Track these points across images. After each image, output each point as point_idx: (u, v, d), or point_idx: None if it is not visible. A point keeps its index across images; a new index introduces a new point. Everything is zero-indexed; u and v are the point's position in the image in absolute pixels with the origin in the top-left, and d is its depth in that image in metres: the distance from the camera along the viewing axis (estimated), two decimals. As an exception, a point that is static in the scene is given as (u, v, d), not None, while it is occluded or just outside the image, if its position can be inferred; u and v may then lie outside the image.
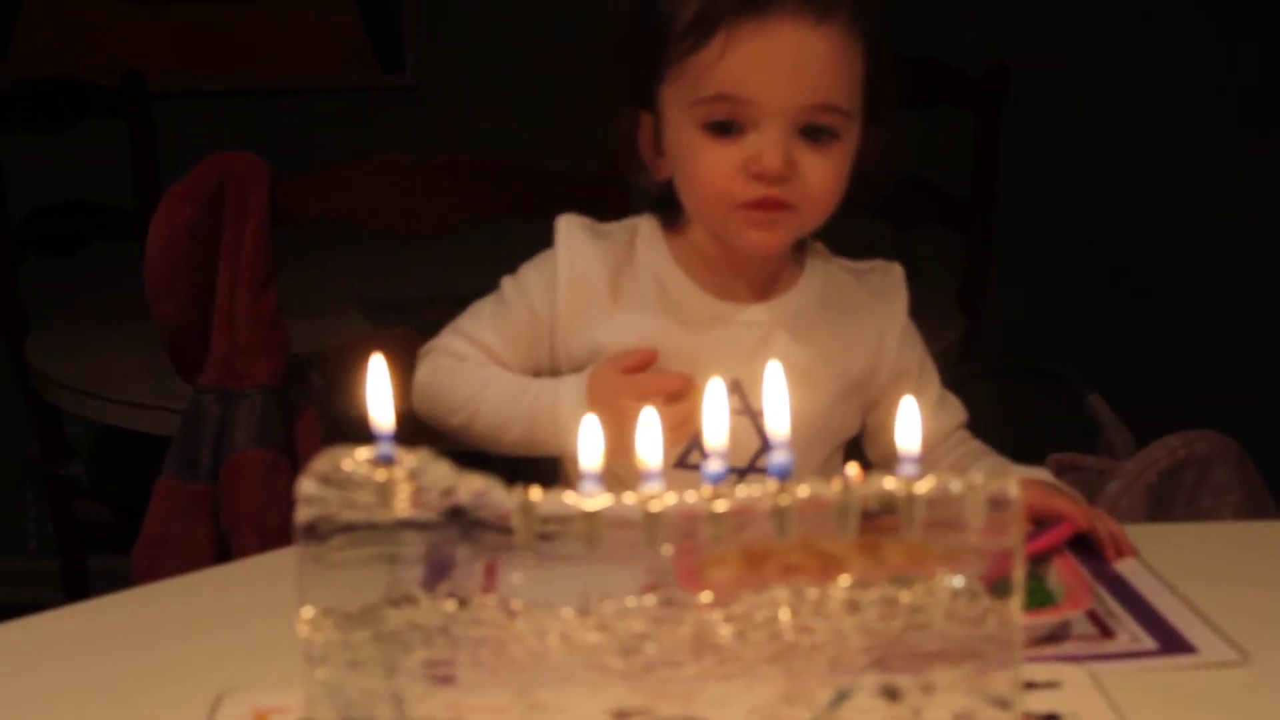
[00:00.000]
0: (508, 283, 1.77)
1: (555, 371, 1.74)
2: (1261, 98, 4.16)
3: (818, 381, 1.71)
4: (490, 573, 1.04)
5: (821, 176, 1.61)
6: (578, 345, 1.71)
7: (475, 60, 3.96)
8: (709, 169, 1.61)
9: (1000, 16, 4.00)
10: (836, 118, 1.61)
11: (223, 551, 2.15)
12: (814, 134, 1.60)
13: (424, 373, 1.79)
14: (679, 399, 1.62)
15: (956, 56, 3.37)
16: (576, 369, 1.71)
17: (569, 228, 1.73)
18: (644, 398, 1.56)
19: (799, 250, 1.75)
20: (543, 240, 1.76)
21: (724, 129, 1.60)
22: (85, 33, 3.82)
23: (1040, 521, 1.59)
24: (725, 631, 1.04)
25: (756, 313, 1.71)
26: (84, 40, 3.82)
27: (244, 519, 2.13)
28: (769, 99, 1.58)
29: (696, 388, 1.62)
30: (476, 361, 1.75)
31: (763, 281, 1.72)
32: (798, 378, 1.68)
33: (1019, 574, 1.05)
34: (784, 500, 1.02)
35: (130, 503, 2.34)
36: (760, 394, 1.58)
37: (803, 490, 1.03)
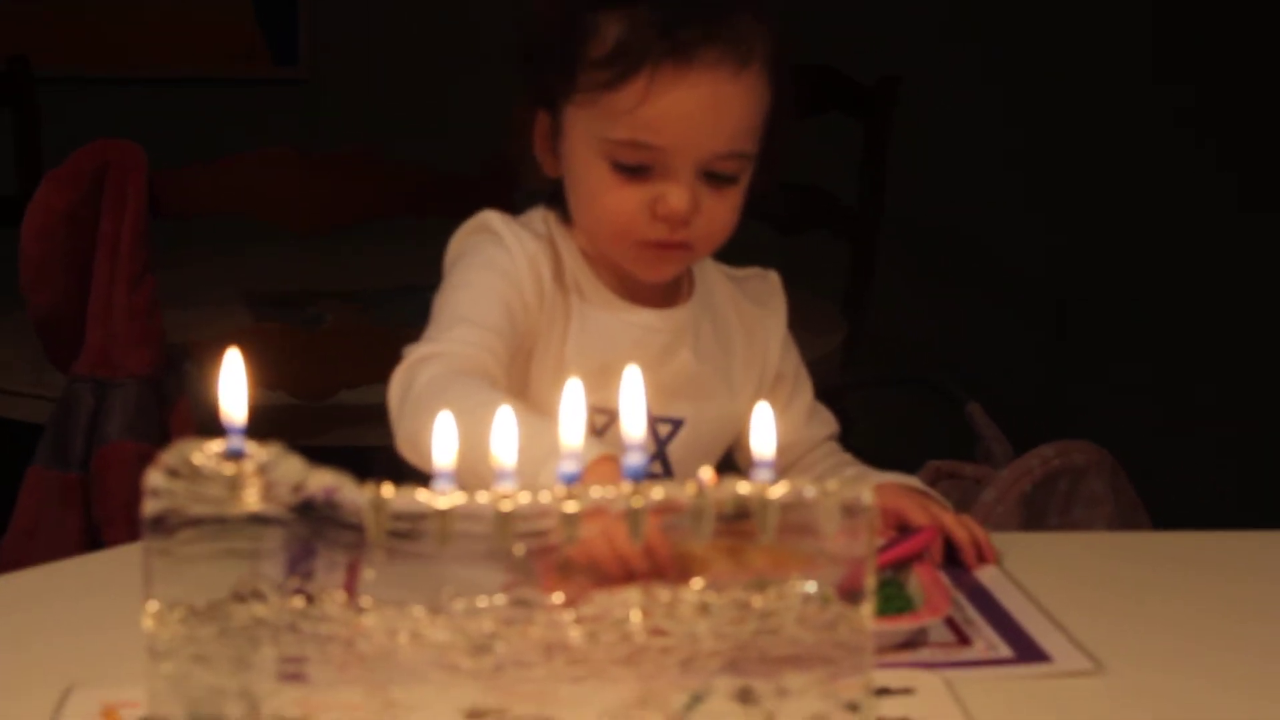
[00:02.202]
0: (482, 268, 1.65)
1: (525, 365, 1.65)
2: (1162, 108, 4.20)
3: (715, 399, 1.71)
4: (354, 568, 1.03)
5: (720, 217, 1.61)
6: (556, 336, 1.67)
7: (368, 55, 3.94)
8: (612, 207, 1.60)
9: (893, 26, 4.03)
10: (741, 163, 1.61)
11: (94, 543, 2.14)
12: (716, 179, 1.60)
13: (405, 380, 1.56)
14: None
15: (851, 65, 3.39)
16: (553, 364, 1.65)
17: (501, 218, 1.68)
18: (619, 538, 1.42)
19: None
20: (426, 235, 1.74)
21: (632, 171, 1.59)
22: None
23: (903, 528, 1.60)
24: (576, 633, 1.04)
25: (656, 318, 1.70)
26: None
27: (116, 510, 2.11)
28: (683, 148, 1.57)
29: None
30: (467, 358, 1.57)
31: (662, 287, 1.71)
32: (699, 390, 1.70)
33: (870, 580, 1.05)
34: (637, 503, 1.02)
35: (3, 492, 2.32)
36: (662, 399, 1.59)
37: (656, 493, 1.03)
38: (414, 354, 1.57)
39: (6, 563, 2.14)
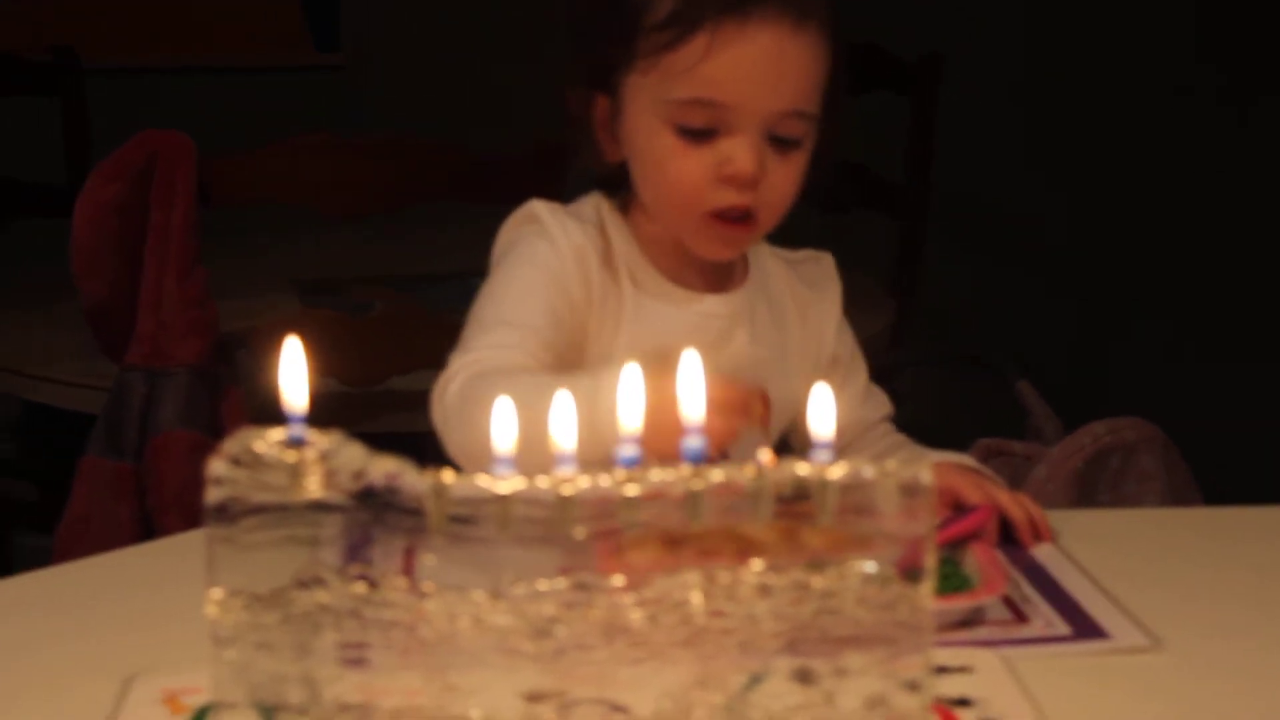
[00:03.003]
0: (507, 263, 1.64)
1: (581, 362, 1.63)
2: (1204, 86, 4.18)
3: (774, 377, 1.70)
4: (410, 554, 1.04)
5: (784, 183, 1.60)
6: (608, 325, 1.65)
7: (409, 40, 3.95)
8: (680, 174, 1.59)
9: (941, 2, 4.01)
10: (805, 124, 1.59)
11: (147, 531, 2.15)
12: (781, 142, 1.58)
13: (452, 398, 1.53)
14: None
15: (895, 42, 3.38)
16: (607, 354, 1.63)
17: (549, 208, 1.66)
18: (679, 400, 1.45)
19: None
20: (475, 221, 1.73)
21: (697, 133, 1.57)
22: (17, 7, 3.79)
23: (960, 507, 1.60)
24: (636, 615, 1.04)
25: (714, 304, 1.69)
26: (16, 15, 3.79)
27: (169, 499, 2.12)
28: (747, 104, 1.56)
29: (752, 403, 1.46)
30: (507, 357, 1.56)
31: (716, 272, 1.70)
32: (758, 373, 1.69)
33: (930, 560, 1.05)
34: (696, 485, 1.02)
35: (56, 481, 2.33)
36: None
37: (716, 475, 1.03)
38: (452, 365, 1.56)
39: (61, 552, 2.15)
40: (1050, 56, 4.15)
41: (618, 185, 1.69)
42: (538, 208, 1.67)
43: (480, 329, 1.59)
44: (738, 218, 1.60)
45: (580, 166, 1.72)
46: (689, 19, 1.56)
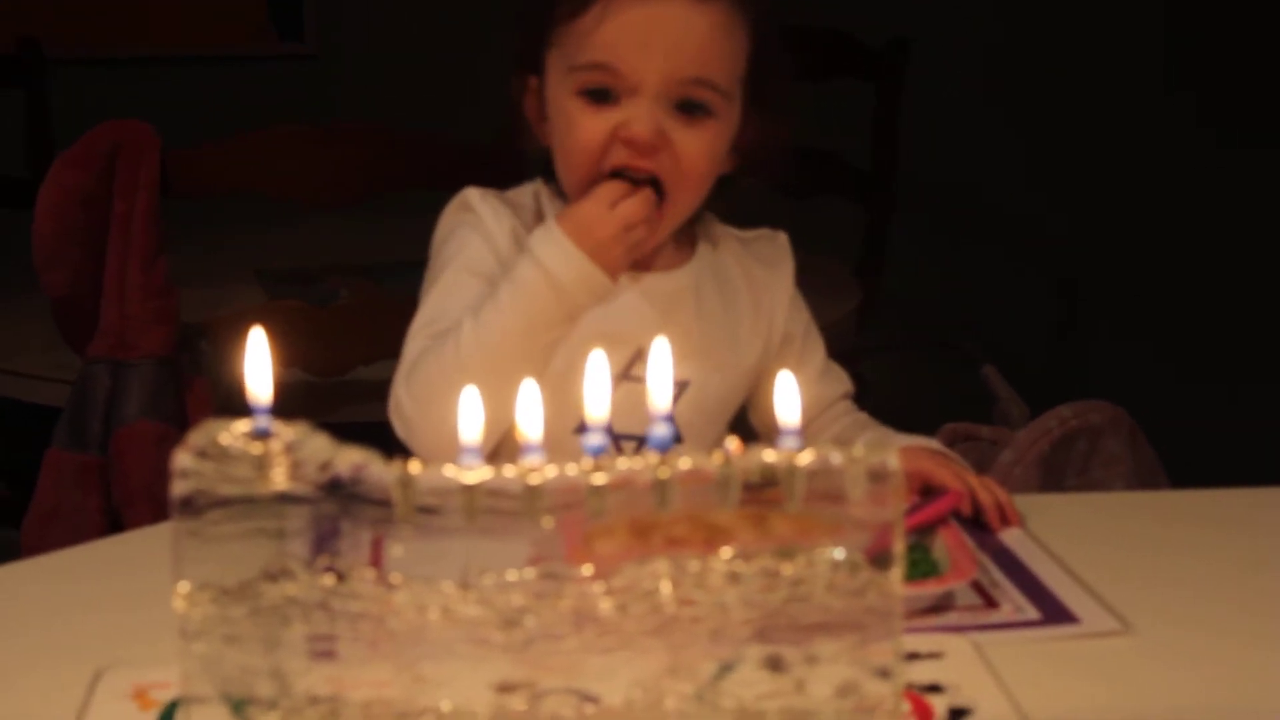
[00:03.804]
0: (436, 278, 1.68)
1: None
2: (1172, 65, 4.19)
3: (719, 359, 1.71)
4: (378, 545, 1.03)
5: (692, 152, 1.61)
6: None
7: (373, 30, 3.93)
8: (580, 138, 1.61)
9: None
10: (711, 94, 1.61)
11: (114, 523, 2.14)
12: (688, 109, 1.60)
13: (402, 392, 1.61)
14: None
15: (862, 28, 3.38)
16: None
17: (481, 195, 1.70)
18: (607, 201, 1.57)
19: (690, 220, 1.74)
20: (438, 210, 1.74)
21: (599, 96, 1.60)
22: (-22, -1, 3.78)
23: (927, 491, 1.60)
24: (606, 605, 1.04)
25: (655, 283, 1.70)
26: (-23, 6, 3.77)
27: (135, 491, 2.11)
28: (642, 70, 1.58)
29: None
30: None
31: (656, 253, 1.71)
32: (702, 353, 1.69)
33: (899, 546, 1.05)
34: (663, 473, 1.02)
35: (22, 475, 2.32)
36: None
37: (683, 463, 1.03)
38: (401, 367, 1.62)
39: (28, 545, 2.14)
40: (1021, 41, 4.15)
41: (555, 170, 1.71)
42: (471, 196, 1.70)
43: (413, 336, 1.65)
44: (642, 182, 1.60)
45: (523, 150, 1.73)
46: None
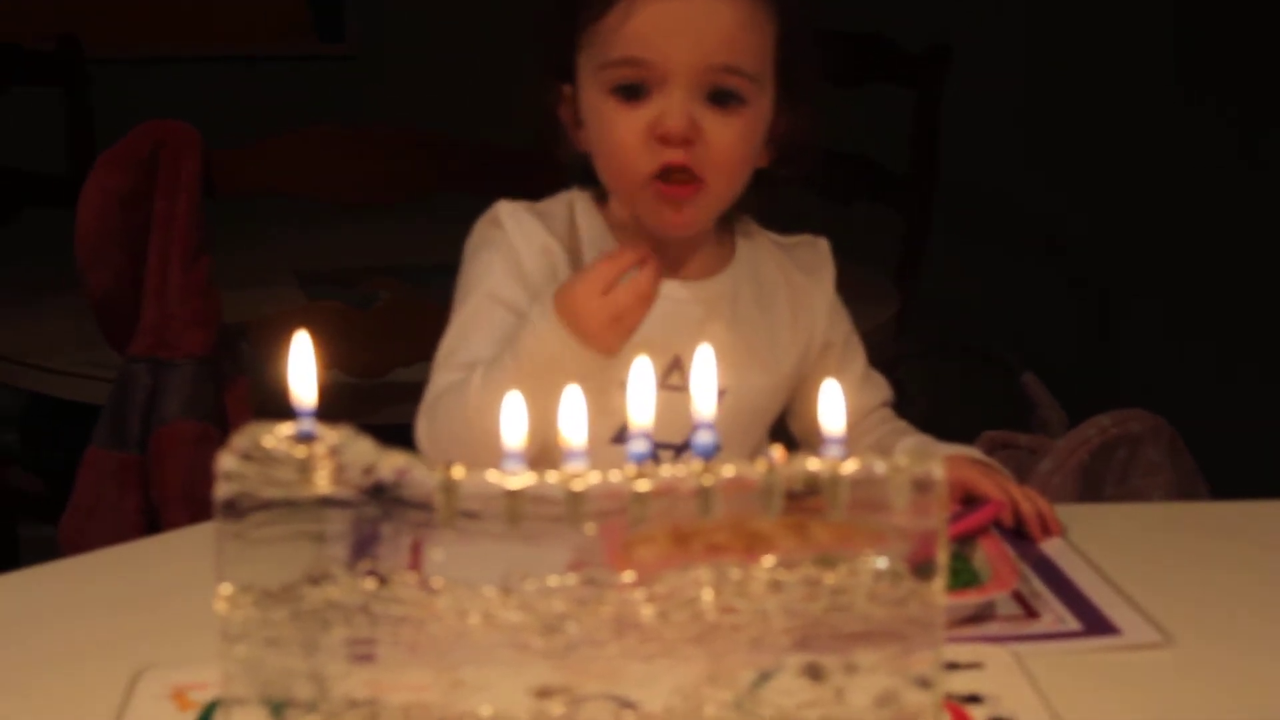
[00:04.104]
0: (463, 301, 1.70)
1: None
2: (1209, 79, 4.18)
3: (756, 366, 1.71)
4: (417, 550, 1.03)
5: (726, 141, 1.61)
6: None
7: (414, 32, 3.94)
8: (617, 137, 1.61)
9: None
10: (742, 81, 1.61)
11: (152, 523, 2.14)
12: (720, 98, 1.60)
13: (422, 432, 1.65)
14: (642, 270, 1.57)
15: (901, 33, 3.37)
16: None
17: (511, 211, 1.70)
18: (602, 283, 1.54)
19: (728, 226, 1.74)
20: (480, 212, 1.74)
21: (631, 93, 1.60)
22: (20, -4, 3.79)
23: (968, 500, 1.59)
24: (648, 611, 1.04)
25: (692, 290, 1.70)
26: (20, 4, 3.78)
27: (173, 490, 2.11)
28: (671, 60, 1.58)
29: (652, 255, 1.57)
30: (460, 380, 1.64)
31: (693, 258, 1.71)
32: (738, 363, 1.69)
33: (942, 556, 1.04)
34: (708, 480, 1.02)
35: (61, 472, 2.33)
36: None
37: (727, 470, 1.02)
38: (425, 400, 1.65)
39: (66, 543, 2.15)
40: (1056, 48, 4.15)
41: (593, 176, 1.71)
42: (501, 211, 1.70)
43: (439, 367, 1.67)
44: (680, 180, 1.61)
45: (561, 160, 1.73)
46: None
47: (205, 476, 2.17)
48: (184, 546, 1.56)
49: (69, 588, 1.46)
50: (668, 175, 1.61)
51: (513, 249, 1.68)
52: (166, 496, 2.12)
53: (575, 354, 1.55)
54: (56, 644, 1.33)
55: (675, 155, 1.59)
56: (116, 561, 1.53)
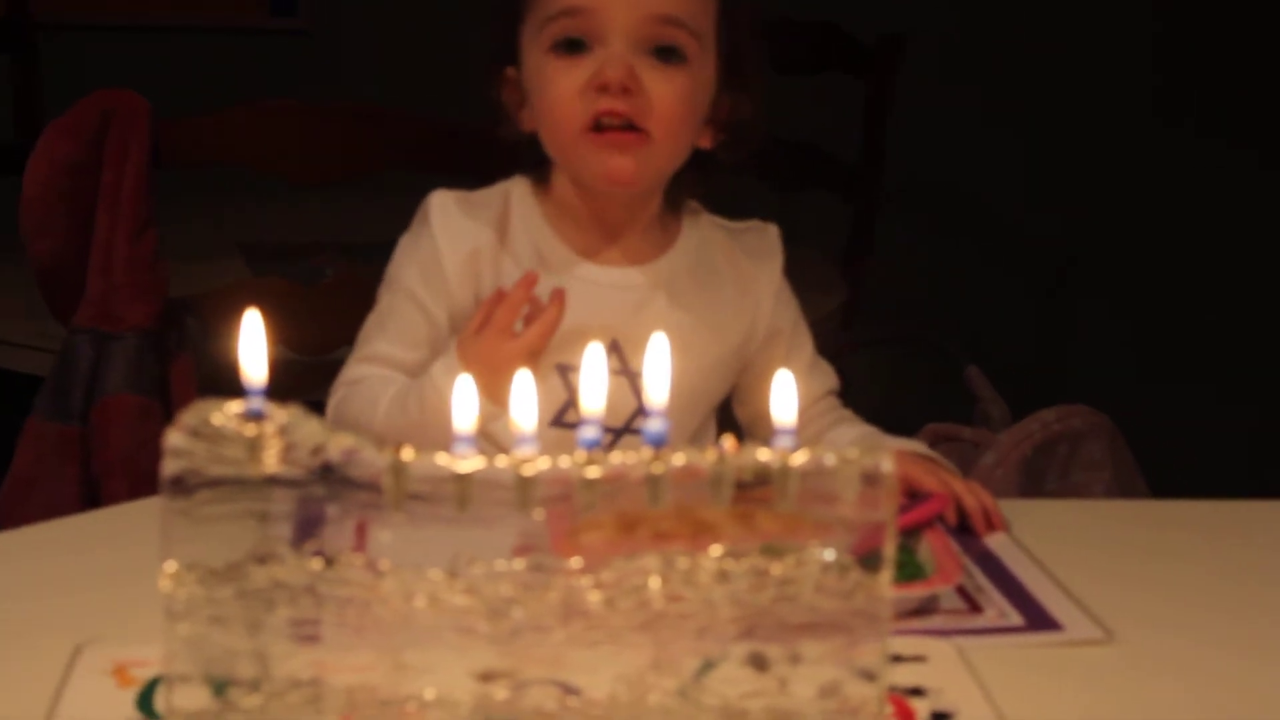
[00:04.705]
0: (386, 287, 1.73)
1: None
2: (1163, 65, 4.19)
3: (696, 347, 1.71)
4: (361, 531, 1.03)
5: (667, 95, 1.61)
6: None
7: (368, 7, 3.92)
8: (556, 91, 1.62)
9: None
10: (683, 35, 1.62)
11: (92, 496, 2.13)
12: (662, 54, 1.61)
13: (330, 411, 1.70)
14: (539, 311, 1.59)
15: (855, 23, 3.37)
16: None
17: (441, 206, 1.70)
18: (507, 329, 1.55)
19: (674, 211, 1.74)
20: (423, 189, 1.73)
21: (571, 47, 1.61)
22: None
23: (913, 494, 1.60)
24: (594, 598, 1.03)
25: (632, 275, 1.71)
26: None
27: (115, 463, 2.10)
28: (610, 9, 1.59)
29: (558, 297, 1.59)
30: (376, 380, 1.68)
31: (635, 241, 1.71)
32: (676, 344, 1.69)
33: (890, 549, 1.05)
34: (658, 468, 1.02)
35: (1, 444, 2.31)
36: (639, 355, 1.58)
37: (677, 459, 1.02)
38: (339, 379, 1.70)
39: (5, 515, 2.13)
40: (1012, 38, 4.15)
41: (539, 162, 1.71)
42: (432, 206, 1.71)
43: (355, 349, 1.73)
44: (621, 127, 1.61)
45: (508, 142, 1.73)
46: None
47: (147, 450, 2.16)
48: (126, 522, 1.54)
49: (8, 562, 1.44)
50: (600, 126, 1.61)
51: (435, 248, 1.68)
52: (108, 469, 2.11)
53: (484, 411, 1.54)
54: (-5, 617, 1.32)
55: (613, 104, 1.60)
56: (58, 536, 1.52)
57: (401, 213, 1.78)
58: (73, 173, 2.11)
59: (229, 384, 1.03)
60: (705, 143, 1.69)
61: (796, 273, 1.82)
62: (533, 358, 1.54)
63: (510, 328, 1.56)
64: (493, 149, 1.81)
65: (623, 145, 1.61)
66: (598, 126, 1.61)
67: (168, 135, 2.19)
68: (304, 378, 2.27)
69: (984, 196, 4.19)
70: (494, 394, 1.55)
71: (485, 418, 1.55)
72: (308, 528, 1.02)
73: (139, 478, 2.07)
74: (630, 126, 1.61)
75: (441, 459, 1.01)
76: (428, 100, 2.68)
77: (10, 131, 3.30)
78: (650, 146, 1.62)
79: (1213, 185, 4.20)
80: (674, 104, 1.62)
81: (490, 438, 1.62)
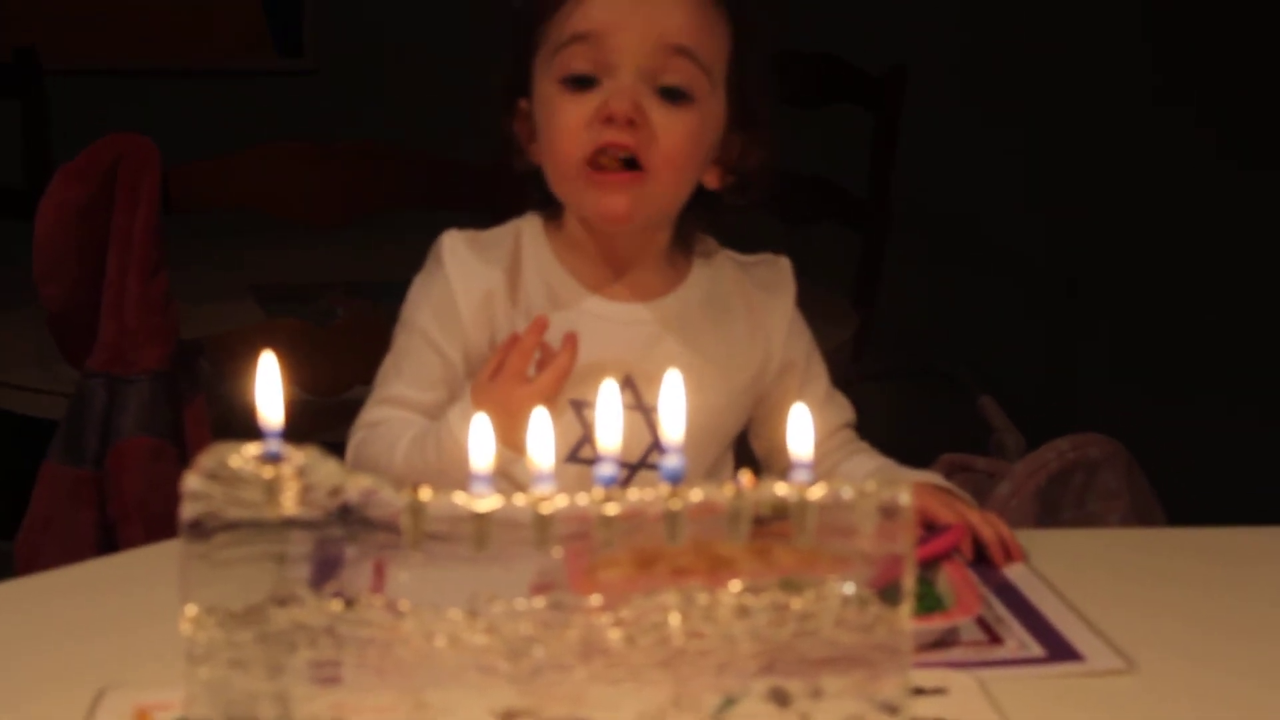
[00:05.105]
0: (402, 329, 1.73)
1: None
2: (1168, 93, 4.19)
3: (709, 383, 1.70)
4: (379, 572, 1.03)
5: (673, 132, 1.61)
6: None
7: (373, 47, 3.93)
8: (563, 122, 1.62)
9: (904, 16, 4.02)
10: (692, 70, 1.62)
11: (108, 539, 2.13)
12: (670, 95, 1.61)
13: (349, 454, 1.70)
14: (550, 356, 1.59)
15: (859, 56, 3.38)
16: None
17: (453, 248, 1.70)
18: (520, 374, 1.56)
19: (685, 245, 1.74)
20: (440, 228, 1.73)
21: (581, 84, 1.61)
22: (-24, 8, 3.77)
23: (930, 526, 1.59)
24: (614, 635, 1.03)
25: (644, 310, 1.70)
26: (-25, 16, 3.76)
27: (130, 507, 2.10)
28: (620, 39, 1.60)
29: (570, 339, 1.58)
30: (396, 423, 1.68)
31: (647, 277, 1.71)
32: (690, 379, 1.69)
33: (909, 581, 1.05)
34: (676, 505, 1.02)
35: (13, 488, 2.31)
36: (653, 390, 1.58)
37: (695, 495, 1.02)
38: (358, 420, 1.71)
39: (21, 559, 2.13)
40: (1018, 69, 4.15)
41: (549, 198, 1.71)
42: (444, 246, 1.71)
43: (376, 391, 1.73)
44: (620, 164, 1.61)
45: (515, 176, 1.74)
46: None
47: (162, 493, 2.16)
48: (144, 566, 1.54)
49: (29, 605, 1.44)
50: (598, 163, 1.61)
51: (449, 289, 1.68)
52: (123, 512, 2.11)
53: (500, 455, 1.55)
54: (18, 662, 1.32)
55: (618, 136, 1.60)
56: (77, 580, 1.52)
57: (412, 252, 1.78)
58: (84, 217, 2.12)
59: (242, 425, 1.03)
60: (713, 182, 1.69)
61: (806, 305, 1.82)
62: (547, 402, 1.54)
63: (523, 373, 1.56)
64: (501, 186, 1.82)
65: (618, 185, 1.61)
66: (596, 164, 1.61)
67: (177, 179, 2.19)
68: (318, 418, 2.27)
69: (993, 225, 4.18)
70: (509, 439, 1.55)
71: (501, 461, 1.56)
72: (327, 569, 1.02)
73: (154, 520, 2.07)
74: (631, 163, 1.61)
75: (459, 498, 1.01)
76: (434, 139, 2.69)
77: (19, 176, 3.31)
78: (648, 184, 1.62)
79: (1223, 207, 4.20)
80: (679, 141, 1.62)
81: (508, 475, 1.61)
